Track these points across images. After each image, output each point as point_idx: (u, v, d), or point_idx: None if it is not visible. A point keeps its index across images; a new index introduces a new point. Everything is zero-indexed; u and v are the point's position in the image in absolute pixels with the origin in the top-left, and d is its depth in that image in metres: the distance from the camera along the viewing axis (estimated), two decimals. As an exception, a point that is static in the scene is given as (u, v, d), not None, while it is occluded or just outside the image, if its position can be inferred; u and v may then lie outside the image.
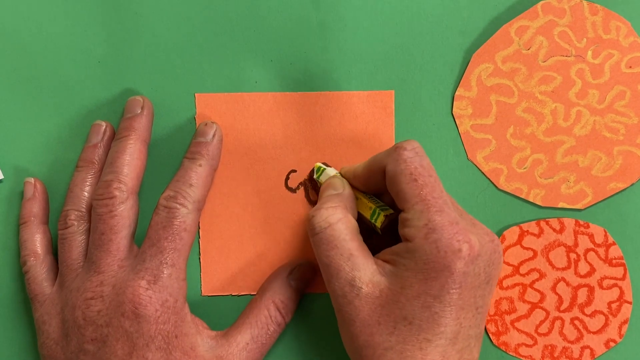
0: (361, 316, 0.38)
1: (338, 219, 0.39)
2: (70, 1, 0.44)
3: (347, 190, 0.42)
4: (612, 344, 0.45)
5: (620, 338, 0.45)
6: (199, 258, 0.45)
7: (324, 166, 0.44)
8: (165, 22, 0.44)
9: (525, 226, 0.45)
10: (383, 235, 0.41)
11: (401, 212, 0.38)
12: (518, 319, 0.45)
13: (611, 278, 0.45)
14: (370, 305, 0.38)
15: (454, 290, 0.36)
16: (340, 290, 0.39)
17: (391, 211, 0.41)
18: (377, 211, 0.40)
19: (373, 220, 0.41)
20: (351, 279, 0.38)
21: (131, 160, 0.41)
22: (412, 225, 0.37)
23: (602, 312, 0.45)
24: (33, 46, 0.44)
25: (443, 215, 0.37)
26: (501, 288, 0.45)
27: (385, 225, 0.40)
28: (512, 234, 0.45)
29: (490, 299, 0.39)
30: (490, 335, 0.45)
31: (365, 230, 0.41)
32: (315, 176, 0.44)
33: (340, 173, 0.43)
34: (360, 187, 0.42)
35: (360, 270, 0.38)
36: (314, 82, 0.44)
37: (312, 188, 0.45)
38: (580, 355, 0.45)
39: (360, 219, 0.42)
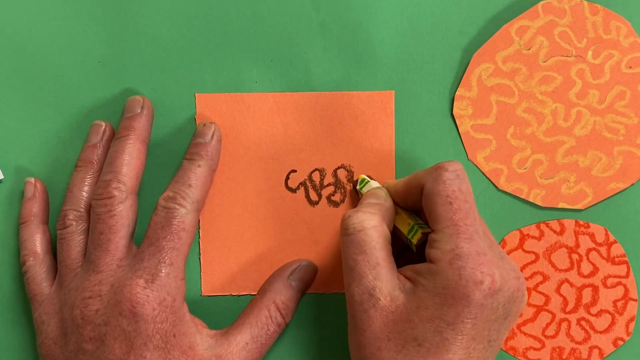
0: (373, 327, 0.38)
1: (372, 225, 0.39)
2: (70, 1, 0.44)
3: (389, 202, 0.41)
4: (620, 342, 0.45)
5: (628, 336, 0.45)
6: (199, 258, 0.45)
7: (368, 179, 0.44)
8: (165, 22, 0.44)
9: (525, 230, 0.45)
10: (415, 254, 0.41)
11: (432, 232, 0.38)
12: (524, 322, 0.45)
13: (615, 276, 0.45)
14: (384, 319, 0.38)
15: (469, 320, 0.36)
16: (358, 297, 0.38)
17: (429, 230, 0.40)
18: (416, 227, 0.40)
19: (410, 236, 0.40)
20: (372, 287, 0.38)
21: (130, 160, 0.42)
22: (439, 247, 0.37)
23: (608, 311, 0.45)
24: (33, 46, 0.44)
25: (472, 243, 0.37)
26: (504, 291, 0.45)
27: (421, 243, 0.40)
28: (512, 238, 0.45)
29: (505, 334, 0.39)
30: (497, 341, 0.45)
31: (398, 248, 0.41)
32: (358, 187, 0.44)
33: (382, 187, 0.43)
34: (399, 202, 0.42)
35: (383, 282, 0.38)
36: (314, 82, 0.45)
37: (349, 196, 0.45)
38: (589, 356, 0.45)
39: (395, 235, 0.41)
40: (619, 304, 0.45)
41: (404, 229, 0.41)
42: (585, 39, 0.44)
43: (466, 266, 0.36)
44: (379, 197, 0.42)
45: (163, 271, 0.39)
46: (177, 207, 0.40)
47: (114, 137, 0.43)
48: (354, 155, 0.45)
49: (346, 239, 0.39)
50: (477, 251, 0.36)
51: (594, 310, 0.45)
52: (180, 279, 0.40)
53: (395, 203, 0.42)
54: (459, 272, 0.36)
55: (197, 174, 0.42)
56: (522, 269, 0.45)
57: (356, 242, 0.39)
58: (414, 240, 0.40)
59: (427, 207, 0.38)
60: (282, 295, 0.43)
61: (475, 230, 0.37)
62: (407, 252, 0.42)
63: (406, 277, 0.38)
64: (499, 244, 0.45)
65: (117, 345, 0.39)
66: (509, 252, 0.45)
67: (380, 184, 0.44)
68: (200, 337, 0.41)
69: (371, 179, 0.44)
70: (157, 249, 0.40)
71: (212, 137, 0.43)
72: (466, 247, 0.36)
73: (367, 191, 0.43)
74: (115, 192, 0.40)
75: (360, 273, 0.38)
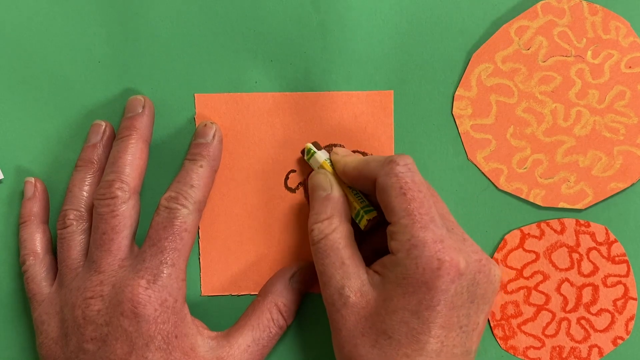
0: (347, 326, 0.38)
1: (332, 230, 0.40)
2: (70, 1, 0.44)
3: (335, 190, 0.41)
4: (619, 341, 0.45)
5: (628, 335, 0.45)
6: (199, 258, 0.45)
7: (314, 149, 0.43)
8: (165, 22, 0.44)
9: (526, 229, 0.45)
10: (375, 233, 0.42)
11: (389, 224, 0.39)
12: (524, 322, 0.45)
13: (615, 275, 0.45)
14: (356, 316, 0.38)
15: (433, 308, 0.36)
16: (330, 298, 0.39)
17: (375, 214, 0.41)
18: (361, 213, 0.41)
19: (357, 221, 0.41)
20: (340, 287, 0.39)
21: (133, 160, 0.41)
22: (397, 239, 0.38)
23: (607, 310, 0.45)
24: (33, 46, 0.44)
25: (427, 231, 0.37)
26: (506, 292, 0.45)
27: (369, 227, 0.41)
28: (513, 237, 0.45)
29: (480, 318, 0.39)
30: (498, 340, 0.45)
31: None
32: (305, 158, 0.44)
33: (330, 158, 0.43)
34: (347, 182, 0.42)
35: (351, 279, 0.39)
36: (314, 82, 0.45)
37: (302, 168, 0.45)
38: (589, 355, 0.45)
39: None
40: (619, 303, 0.45)
41: (351, 212, 0.41)
42: (584, 39, 0.44)
43: (422, 255, 0.36)
44: (324, 188, 0.41)
45: (165, 272, 0.39)
46: (179, 207, 0.40)
47: (116, 137, 0.43)
48: (354, 155, 0.45)
49: (313, 249, 0.40)
50: (434, 239, 0.37)
51: (593, 309, 0.45)
52: (182, 280, 0.40)
53: (342, 181, 0.42)
54: (415, 261, 0.37)
55: (199, 174, 0.42)
56: (523, 268, 0.45)
57: (320, 249, 0.40)
58: (362, 226, 0.41)
59: (382, 201, 0.39)
60: (283, 298, 0.43)
61: (431, 219, 0.37)
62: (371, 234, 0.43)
63: (375, 272, 0.39)
64: (499, 243, 0.45)
65: (118, 345, 0.39)
66: (509, 252, 0.45)
67: (328, 153, 0.43)
68: (202, 338, 0.41)
69: (318, 148, 0.44)
70: (158, 250, 0.39)
71: (214, 137, 0.43)
72: (422, 236, 0.37)
73: (310, 177, 0.42)
74: (119, 192, 0.40)
75: (329, 275, 0.39)
